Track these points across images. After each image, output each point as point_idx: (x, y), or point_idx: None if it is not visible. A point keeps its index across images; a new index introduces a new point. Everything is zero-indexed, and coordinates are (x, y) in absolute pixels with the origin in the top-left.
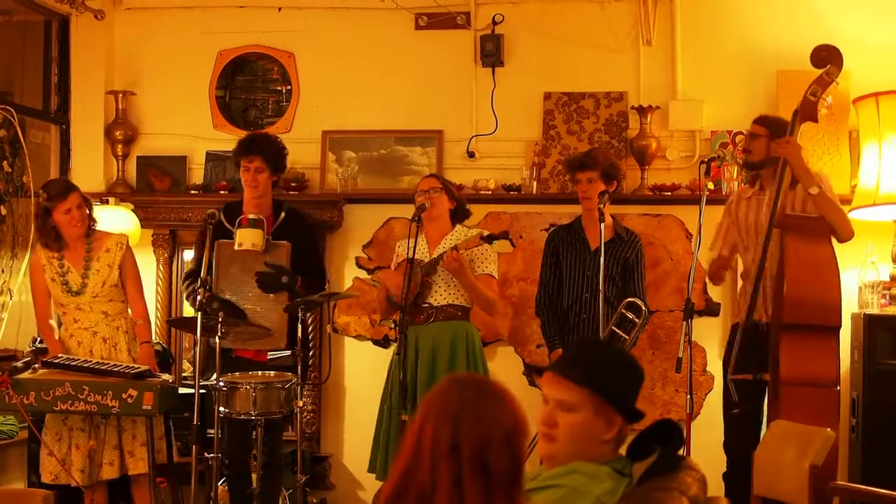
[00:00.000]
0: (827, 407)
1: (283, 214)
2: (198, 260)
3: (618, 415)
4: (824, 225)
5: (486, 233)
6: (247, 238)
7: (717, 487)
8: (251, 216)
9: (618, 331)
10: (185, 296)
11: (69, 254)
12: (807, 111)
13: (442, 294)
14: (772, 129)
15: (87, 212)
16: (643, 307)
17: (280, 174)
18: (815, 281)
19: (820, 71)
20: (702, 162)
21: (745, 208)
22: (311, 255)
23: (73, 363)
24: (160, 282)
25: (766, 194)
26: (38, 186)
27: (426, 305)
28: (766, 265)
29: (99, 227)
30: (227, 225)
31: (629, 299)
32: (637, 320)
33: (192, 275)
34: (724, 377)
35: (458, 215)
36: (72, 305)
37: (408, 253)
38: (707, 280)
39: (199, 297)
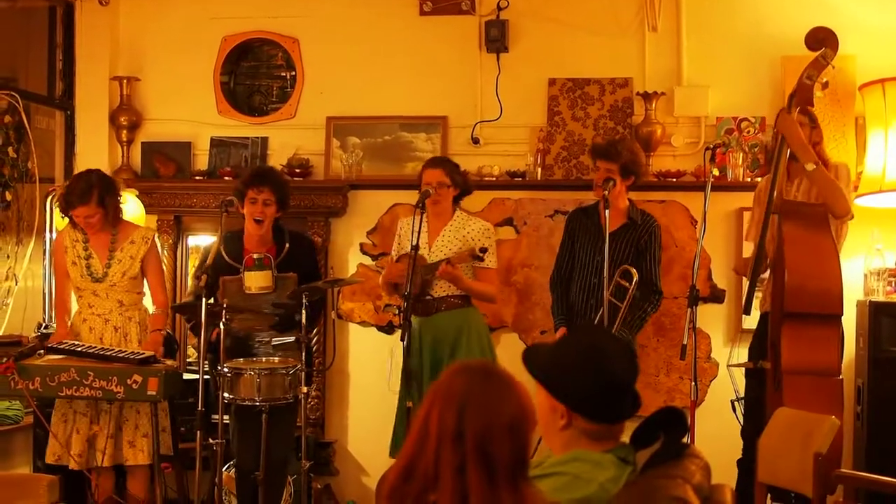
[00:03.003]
0: (829, 396)
1: (287, 246)
2: (195, 293)
3: (559, 403)
4: (823, 212)
5: (477, 251)
6: (255, 282)
7: (721, 475)
8: (256, 256)
9: (614, 300)
10: (188, 326)
11: (94, 239)
12: (802, 95)
13: (441, 286)
14: (811, 117)
15: (104, 213)
16: (635, 275)
17: (283, 211)
18: (816, 268)
19: (815, 54)
20: (707, 148)
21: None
22: (312, 276)
23: (79, 349)
24: (164, 268)
25: (793, 184)
26: (43, 172)
27: (428, 298)
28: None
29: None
30: (227, 259)
31: (623, 266)
32: (629, 286)
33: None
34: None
35: (460, 198)
36: (88, 291)
37: (411, 240)
38: (739, 274)
39: (200, 284)
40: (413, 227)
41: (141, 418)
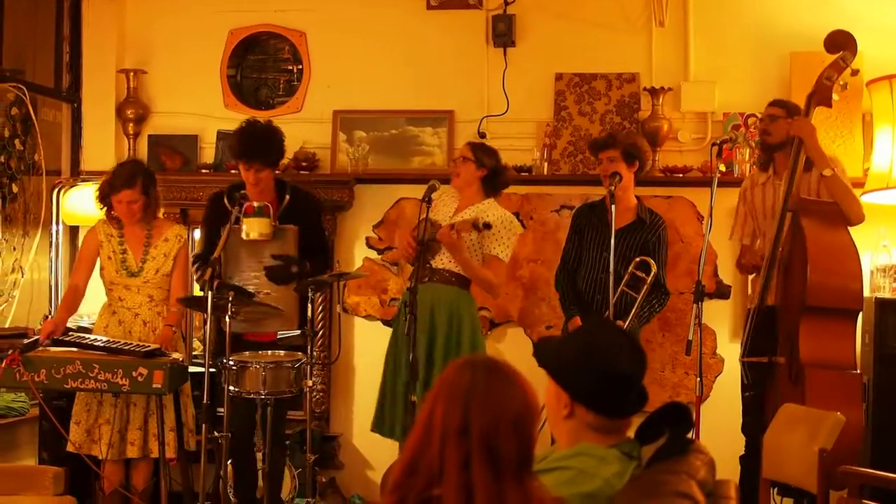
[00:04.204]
0: (849, 390)
1: (287, 198)
2: (206, 241)
3: (563, 392)
4: (838, 209)
5: (480, 222)
6: (254, 228)
7: (726, 470)
8: (256, 204)
9: (628, 290)
10: (195, 278)
11: (128, 233)
12: (821, 95)
13: (441, 259)
14: (789, 110)
15: (145, 202)
16: (653, 266)
17: (281, 163)
18: (839, 264)
19: (834, 56)
20: (714, 144)
21: (760, 194)
22: (315, 233)
23: (84, 341)
24: None
25: (781, 179)
26: (50, 165)
27: (427, 266)
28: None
29: None
30: (230, 208)
31: (640, 258)
32: (647, 277)
33: (201, 258)
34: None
35: (491, 184)
36: (121, 285)
37: (418, 235)
38: (736, 269)
39: (205, 276)
40: (419, 220)
41: (167, 412)
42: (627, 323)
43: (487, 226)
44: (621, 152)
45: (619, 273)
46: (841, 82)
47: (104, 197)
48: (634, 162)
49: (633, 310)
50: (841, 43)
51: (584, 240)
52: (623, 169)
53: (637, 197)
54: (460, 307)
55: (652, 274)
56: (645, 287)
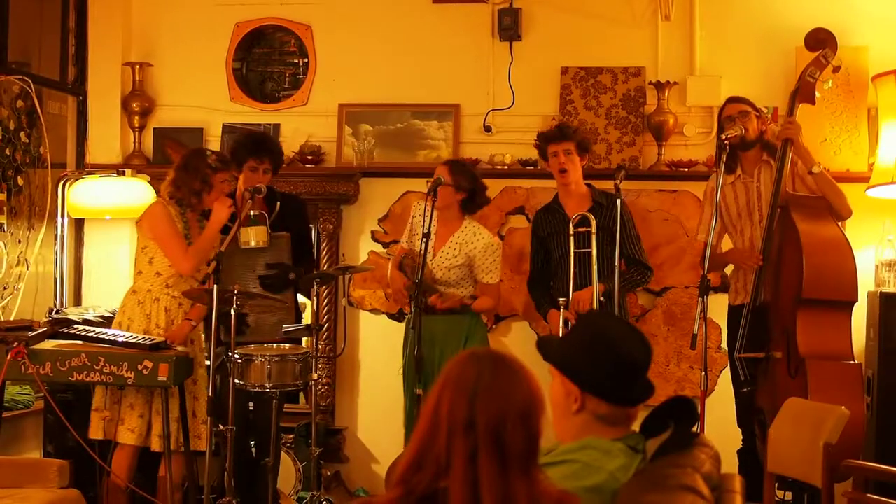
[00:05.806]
0: (851, 381)
1: (278, 205)
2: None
3: (573, 385)
4: (825, 203)
5: (467, 302)
6: (251, 236)
7: (733, 464)
8: (253, 213)
9: (580, 250)
10: None
11: (190, 218)
12: (805, 92)
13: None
14: (753, 105)
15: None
16: (591, 218)
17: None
18: (833, 256)
19: (815, 53)
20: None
21: (731, 193)
22: (304, 237)
23: (89, 334)
24: None
25: (752, 177)
26: (55, 158)
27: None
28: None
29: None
30: None
31: (577, 214)
32: (589, 228)
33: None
34: (730, 357)
35: (469, 205)
36: (174, 271)
37: (423, 227)
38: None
39: (209, 269)
40: (424, 215)
41: (199, 405)
42: (615, 286)
43: (472, 299)
44: (576, 145)
45: (600, 268)
46: (825, 81)
47: (214, 171)
48: (585, 155)
49: (620, 272)
50: (822, 40)
51: (551, 243)
52: (577, 161)
53: (587, 184)
54: (466, 336)
55: (592, 223)
56: (615, 239)
